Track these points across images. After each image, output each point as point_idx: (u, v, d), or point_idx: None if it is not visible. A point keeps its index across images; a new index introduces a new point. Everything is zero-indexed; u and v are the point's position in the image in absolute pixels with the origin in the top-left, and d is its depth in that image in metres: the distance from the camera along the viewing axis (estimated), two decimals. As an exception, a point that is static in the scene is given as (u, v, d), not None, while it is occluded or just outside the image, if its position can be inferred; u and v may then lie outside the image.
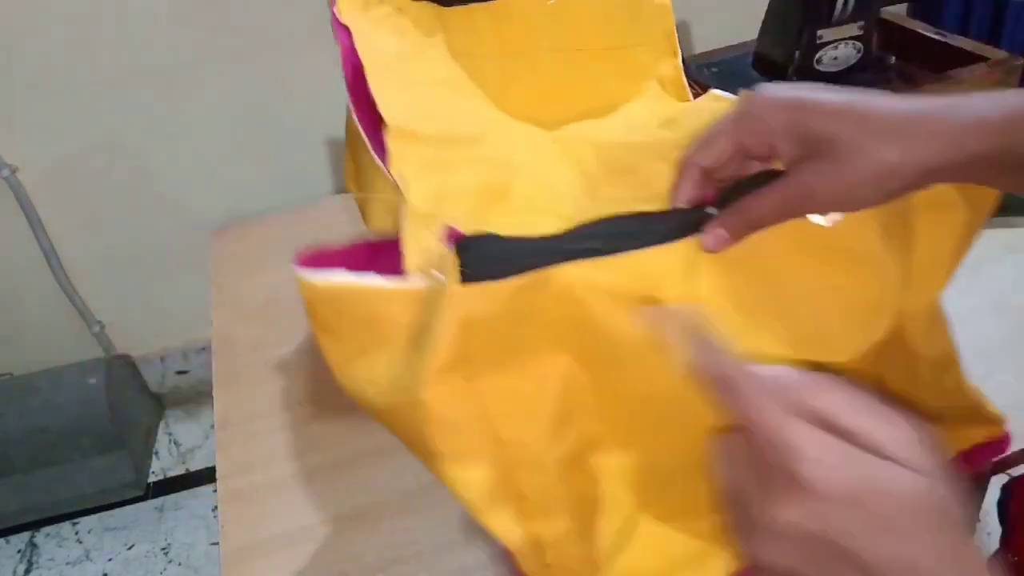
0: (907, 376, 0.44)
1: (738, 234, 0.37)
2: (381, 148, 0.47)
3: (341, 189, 1.44)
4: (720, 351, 0.31)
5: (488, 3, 0.59)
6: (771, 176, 0.38)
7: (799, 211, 0.36)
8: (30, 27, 1.16)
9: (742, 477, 0.28)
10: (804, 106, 0.35)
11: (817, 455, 0.25)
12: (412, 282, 0.37)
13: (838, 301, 0.39)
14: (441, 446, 0.36)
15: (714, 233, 0.37)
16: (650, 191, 0.50)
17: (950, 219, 0.41)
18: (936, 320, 0.43)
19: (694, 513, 0.40)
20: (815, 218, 0.38)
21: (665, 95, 0.61)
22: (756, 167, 0.39)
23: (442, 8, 0.58)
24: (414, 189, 0.43)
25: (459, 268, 0.34)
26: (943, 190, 0.40)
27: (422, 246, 0.41)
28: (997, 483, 0.77)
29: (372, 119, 0.48)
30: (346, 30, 0.52)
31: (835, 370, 0.39)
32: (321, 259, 0.40)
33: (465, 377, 0.36)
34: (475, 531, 0.53)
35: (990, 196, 0.40)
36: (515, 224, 0.47)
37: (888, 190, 0.34)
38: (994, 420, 0.48)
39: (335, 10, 0.53)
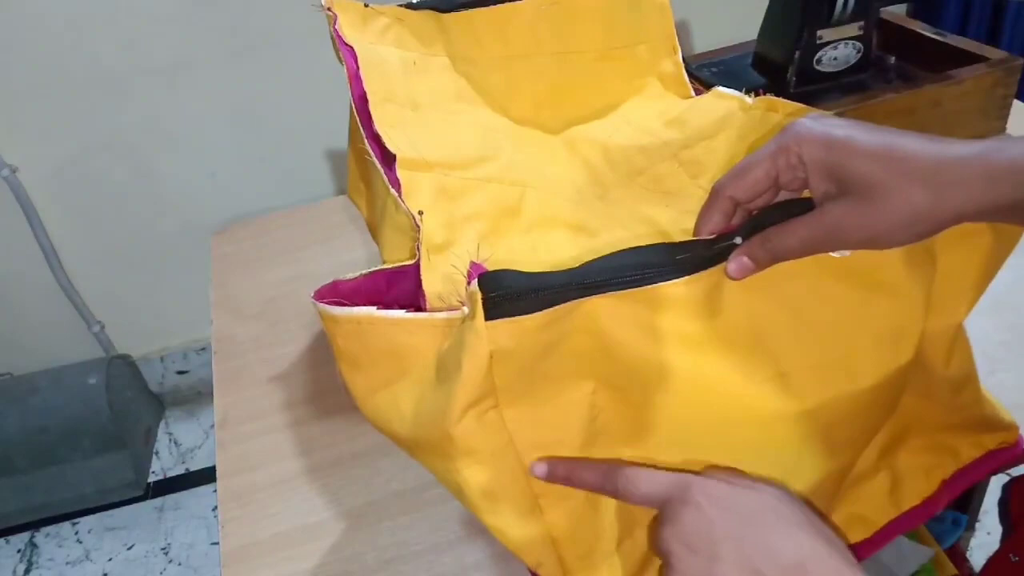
0: (922, 392, 0.44)
1: (762, 265, 0.38)
2: (392, 173, 0.47)
3: (341, 189, 1.44)
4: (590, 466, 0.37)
5: (488, 8, 0.58)
6: (797, 205, 0.38)
7: (826, 248, 0.37)
8: (30, 27, 1.16)
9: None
10: (841, 144, 0.35)
11: (697, 481, 0.35)
12: (436, 315, 0.37)
13: (862, 327, 0.39)
14: (468, 477, 0.36)
15: (739, 261, 0.38)
16: (659, 190, 0.50)
17: (974, 245, 0.41)
18: (957, 344, 0.43)
19: None
20: (836, 253, 0.38)
21: (667, 93, 0.61)
22: (785, 196, 0.39)
23: (442, 15, 0.58)
24: (427, 220, 0.44)
25: (484, 304, 0.34)
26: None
27: (441, 276, 0.41)
28: (997, 483, 0.77)
29: (382, 143, 0.49)
30: (351, 51, 0.52)
31: (858, 394, 0.39)
32: (338, 290, 0.40)
33: (492, 409, 0.36)
34: (475, 530, 0.53)
35: (1017, 228, 0.40)
36: (528, 240, 0.47)
37: (919, 233, 0.35)
38: (1007, 427, 0.47)
39: (336, 28, 0.53)
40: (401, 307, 0.38)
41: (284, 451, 0.61)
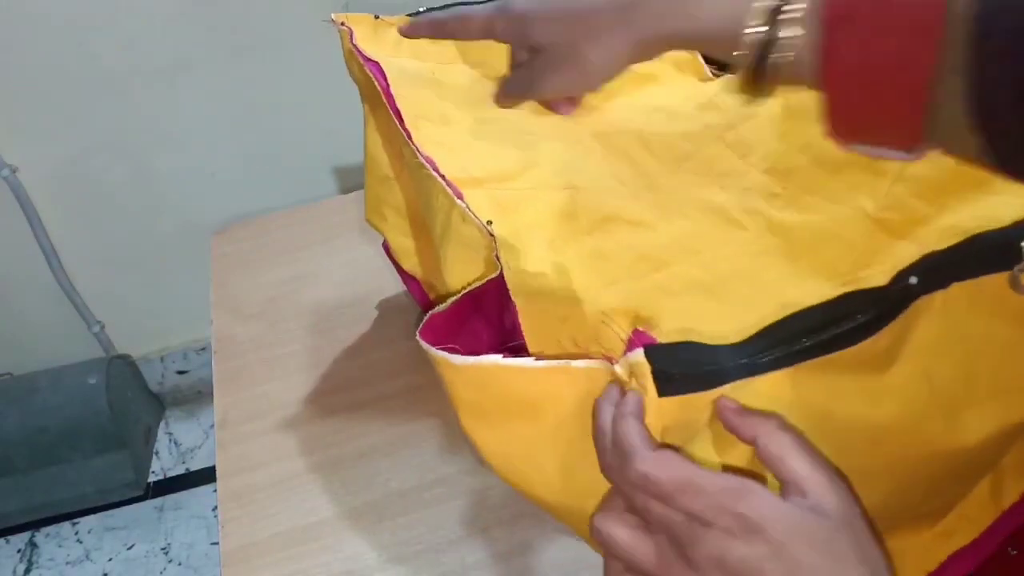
0: None
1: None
2: (454, 186, 0.46)
3: (341, 189, 1.44)
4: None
5: None
6: (973, 243, 0.36)
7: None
8: (30, 27, 1.16)
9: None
10: (523, 18, 0.47)
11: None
12: (573, 363, 0.35)
13: None
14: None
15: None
16: (711, 174, 0.49)
17: None
18: None
19: None
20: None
21: (684, 76, 0.61)
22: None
23: None
24: (497, 229, 0.42)
25: (656, 378, 0.32)
26: None
27: (525, 277, 0.40)
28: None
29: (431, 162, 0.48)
30: (377, 66, 0.51)
31: (1018, 426, 0.38)
32: (437, 325, 0.37)
33: None
34: (475, 530, 0.53)
35: None
36: (592, 243, 0.46)
37: (617, 67, 0.46)
38: None
39: (355, 43, 0.52)
40: (492, 323, 0.36)
41: (284, 451, 0.61)
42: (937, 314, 0.36)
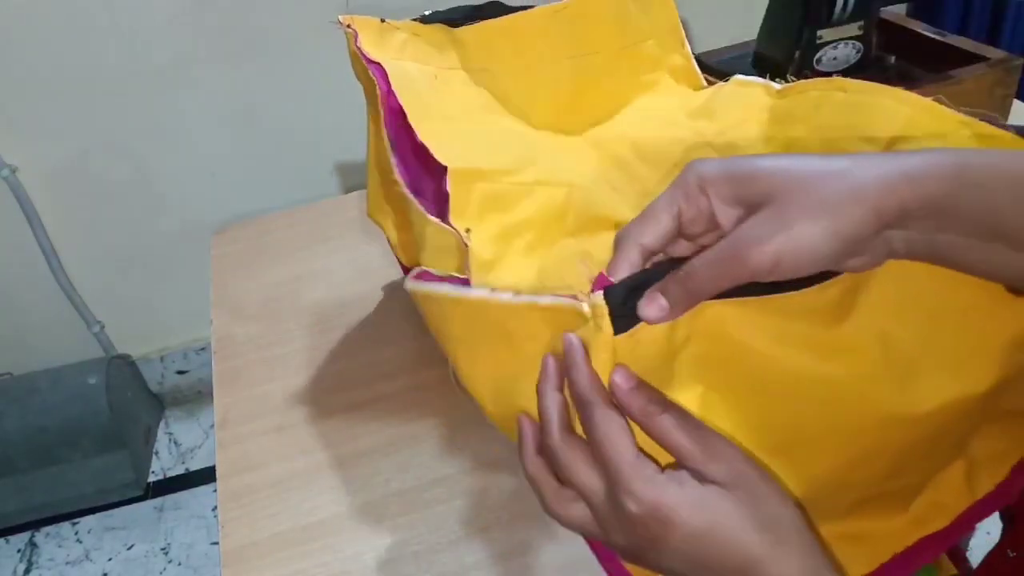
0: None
1: (681, 305, 0.34)
2: (426, 198, 0.46)
3: (341, 189, 1.44)
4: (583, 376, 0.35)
5: (500, 19, 0.58)
6: None
7: (742, 271, 0.32)
8: (30, 27, 1.17)
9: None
10: (746, 173, 0.34)
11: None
12: (540, 299, 0.37)
13: (989, 333, 0.38)
14: None
15: (655, 303, 0.34)
16: None
17: None
18: None
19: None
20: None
21: (679, 86, 0.61)
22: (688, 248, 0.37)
23: (453, 29, 0.58)
24: (475, 236, 0.43)
25: (612, 315, 0.34)
26: None
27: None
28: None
29: (414, 166, 0.48)
30: (379, 68, 0.51)
31: (976, 398, 0.38)
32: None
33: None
34: (475, 530, 0.53)
35: None
36: (575, 244, 0.47)
37: (840, 236, 0.31)
38: None
39: (359, 46, 0.52)
40: None
41: (284, 451, 0.61)
42: (894, 276, 0.37)
